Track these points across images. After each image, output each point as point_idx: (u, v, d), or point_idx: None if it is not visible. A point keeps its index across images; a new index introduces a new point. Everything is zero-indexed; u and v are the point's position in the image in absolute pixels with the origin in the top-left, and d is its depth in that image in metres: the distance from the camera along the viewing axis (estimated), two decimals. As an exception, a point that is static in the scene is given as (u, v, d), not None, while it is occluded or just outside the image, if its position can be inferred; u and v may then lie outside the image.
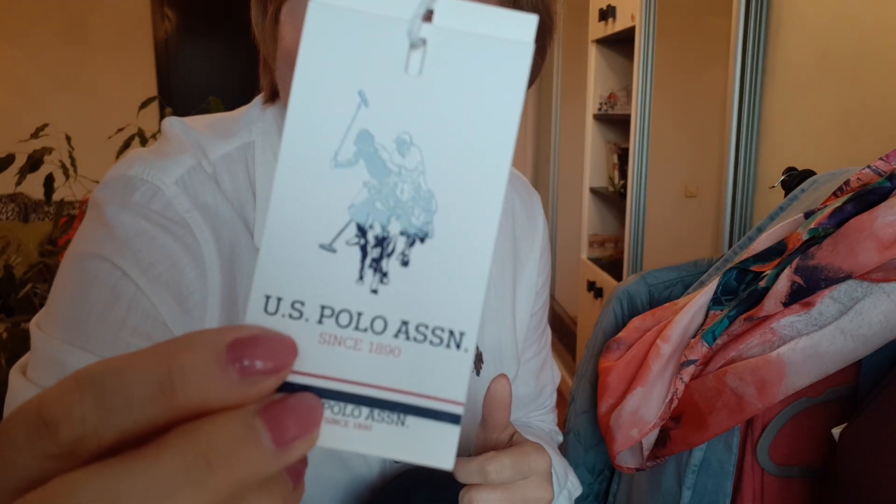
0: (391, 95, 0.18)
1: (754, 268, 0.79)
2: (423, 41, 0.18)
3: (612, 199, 2.64)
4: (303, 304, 0.18)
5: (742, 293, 0.79)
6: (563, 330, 3.22)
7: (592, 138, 2.76)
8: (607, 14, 2.36)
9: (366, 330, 0.18)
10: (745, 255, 0.83)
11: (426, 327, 0.19)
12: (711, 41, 1.84)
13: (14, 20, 3.49)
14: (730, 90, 1.54)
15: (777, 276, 0.74)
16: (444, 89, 0.18)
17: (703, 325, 0.81)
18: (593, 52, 2.64)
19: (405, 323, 0.18)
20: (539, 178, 3.67)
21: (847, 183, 0.76)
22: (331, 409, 0.18)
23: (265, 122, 0.52)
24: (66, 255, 0.47)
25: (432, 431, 0.18)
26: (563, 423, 1.00)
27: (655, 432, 0.82)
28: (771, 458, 0.78)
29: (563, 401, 1.19)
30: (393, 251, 0.18)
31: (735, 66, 1.52)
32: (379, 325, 0.18)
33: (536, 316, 0.69)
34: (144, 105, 1.76)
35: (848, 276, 0.68)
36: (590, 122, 2.73)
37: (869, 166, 0.75)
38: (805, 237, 0.73)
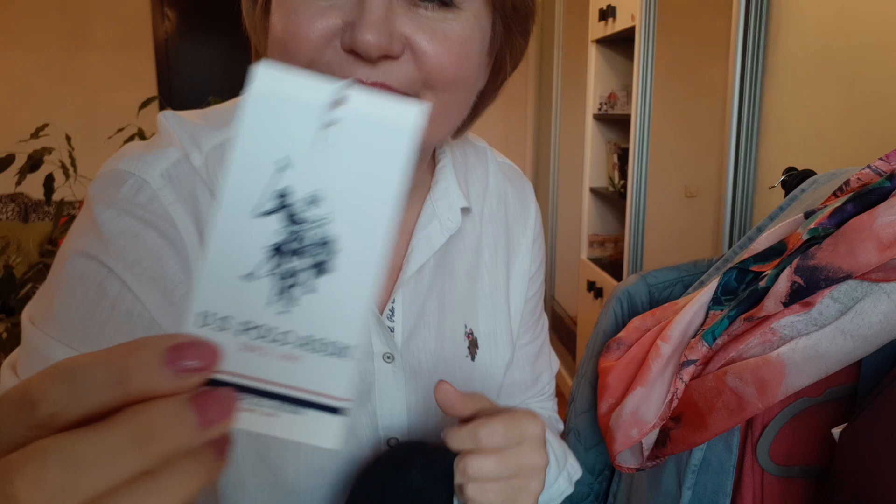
0: (308, 162, 0.23)
1: (754, 268, 0.79)
2: (336, 121, 0.23)
3: (612, 199, 2.64)
4: (228, 319, 0.23)
5: (742, 293, 0.79)
6: (563, 330, 3.22)
7: (592, 138, 2.76)
8: (607, 14, 2.36)
9: (275, 341, 0.24)
10: (745, 255, 0.83)
11: (323, 341, 0.24)
12: (711, 41, 1.84)
13: (14, 20, 3.49)
14: (730, 90, 1.54)
15: (777, 276, 0.74)
16: (348, 159, 0.23)
17: (703, 325, 0.81)
18: (593, 52, 2.64)
19: (307, 337, 0.24)
20: (539, 178, 3.67)
21: (847, 183, 0.76)
22: (246, 401, 0.24)
23: None
24: (60, 250, 0.48)
25: (323, 420, 0.24)
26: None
27: (655, 432, 0.82)
28: (771, 458, 0.78)
29: (563, 401, 1.19)
30: (301, 282, 0.23)
31: (735, 65, 1.52)
32: (286, 337, 0.24)
33: (531, 302, 0.69)
34: (144, 105, 1.76)
35: (848, 276, 0.68)
36: (590, 122, 2.73)
37: (869, 166, 0.75)
38: (805, 237, 0.73)
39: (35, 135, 1.59)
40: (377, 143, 0.23)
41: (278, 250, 0.23)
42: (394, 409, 0.56)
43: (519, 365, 0.69)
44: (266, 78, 0.23)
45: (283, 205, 0.23)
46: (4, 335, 1.39)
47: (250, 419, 0.24)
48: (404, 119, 0.23)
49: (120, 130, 1.75)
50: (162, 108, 1.80)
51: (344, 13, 0.42)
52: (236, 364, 0.23)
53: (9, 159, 1.51)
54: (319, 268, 0.23)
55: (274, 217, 0.23)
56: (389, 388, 0.56)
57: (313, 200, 0.23)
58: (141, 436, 0.21)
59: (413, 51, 0.43)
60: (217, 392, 0.22)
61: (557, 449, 0.63)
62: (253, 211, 0.23)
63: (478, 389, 0.62)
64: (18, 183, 1.54)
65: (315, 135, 0.23)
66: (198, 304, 0.23)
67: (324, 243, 0.23)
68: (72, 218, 1.69)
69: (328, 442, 0.24)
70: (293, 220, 0.23)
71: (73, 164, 1.63)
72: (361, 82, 0.41)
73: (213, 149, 0.50)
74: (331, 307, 0.23)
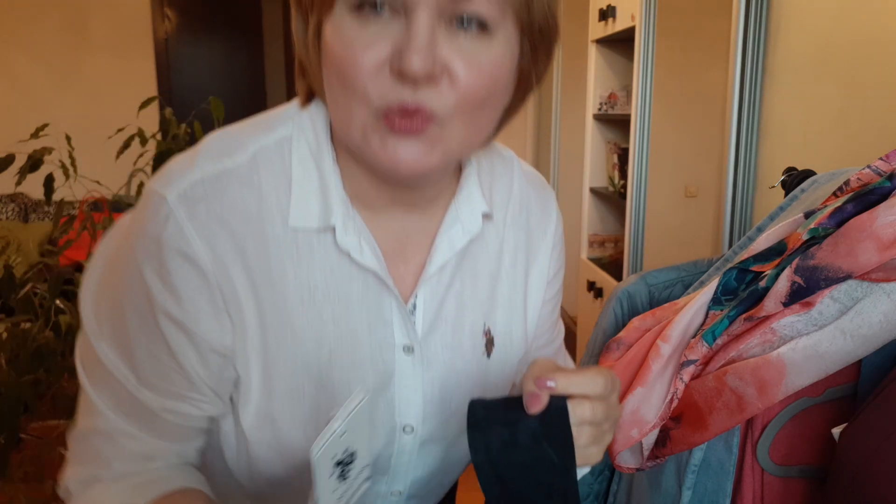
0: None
1: (754, 268, 0.79)
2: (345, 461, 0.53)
3: (612, 199, 2.64)
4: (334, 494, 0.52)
5: (742, 293, 0.79)
6: (563, 330, 3.22)
7: (592, 138, 2.76)
8: (607, 14, 2.36)
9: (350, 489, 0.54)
10: (745, 255, 0.83)
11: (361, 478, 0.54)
12: (711, 41, 1.85)
13: (14, 20, 3.49)
14: (730, 90, 1.54)
15: (777, 276, 0.74)
16: None
17: (703, 325, 0.81)
18: (593, 52, 2.64)
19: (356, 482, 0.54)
20: (539, 178, 3.66)
21: (847, 183, 0.76)
22: None
23: (301, 119, 0.57)
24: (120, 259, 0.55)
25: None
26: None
27: (655, 432, 0.83)
28: (771, 458, 0.79)
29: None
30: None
31: (735, 66, 1.52)
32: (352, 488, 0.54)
33: (549, 304, 0.73)
34: (144, 105, 1.75)
35: (848, 276, 0.68)
36: (590, 122, 2.73)
37: (869, 166, 0.75)
38: (805, 237, 0.73)
39: (35, 135, 1.59)
40: None
41: (339, 470, 0.50)
42: (411, 398, 0.61)
43: None
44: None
45: (338, 462, 0.50)
46: (4, 335, 1.39)
47: None
48: None
49: (120, 130, 1.75)
50: (162, 108, 1.80)
51: (393, 40, 0.47)
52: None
53: (9, 159, 1.51)
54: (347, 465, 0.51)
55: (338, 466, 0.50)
56: (407, 377, 0.60)
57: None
58: None
59: (450, 75, 0.48)
60: None
61: None
62: (331, 472, 0.50)
63: (492, 384, 0.66)
64: (18, 183, 1.54)
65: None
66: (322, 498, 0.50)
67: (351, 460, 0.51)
68: (72, 218, 1.69)
69: None
70: (342, 464, 0.50)
71: (73, 164, 1.62)
72: (405, 106, 0.47)
73: (259, 149, 0.56)
74: (356, 478, 0.53)
